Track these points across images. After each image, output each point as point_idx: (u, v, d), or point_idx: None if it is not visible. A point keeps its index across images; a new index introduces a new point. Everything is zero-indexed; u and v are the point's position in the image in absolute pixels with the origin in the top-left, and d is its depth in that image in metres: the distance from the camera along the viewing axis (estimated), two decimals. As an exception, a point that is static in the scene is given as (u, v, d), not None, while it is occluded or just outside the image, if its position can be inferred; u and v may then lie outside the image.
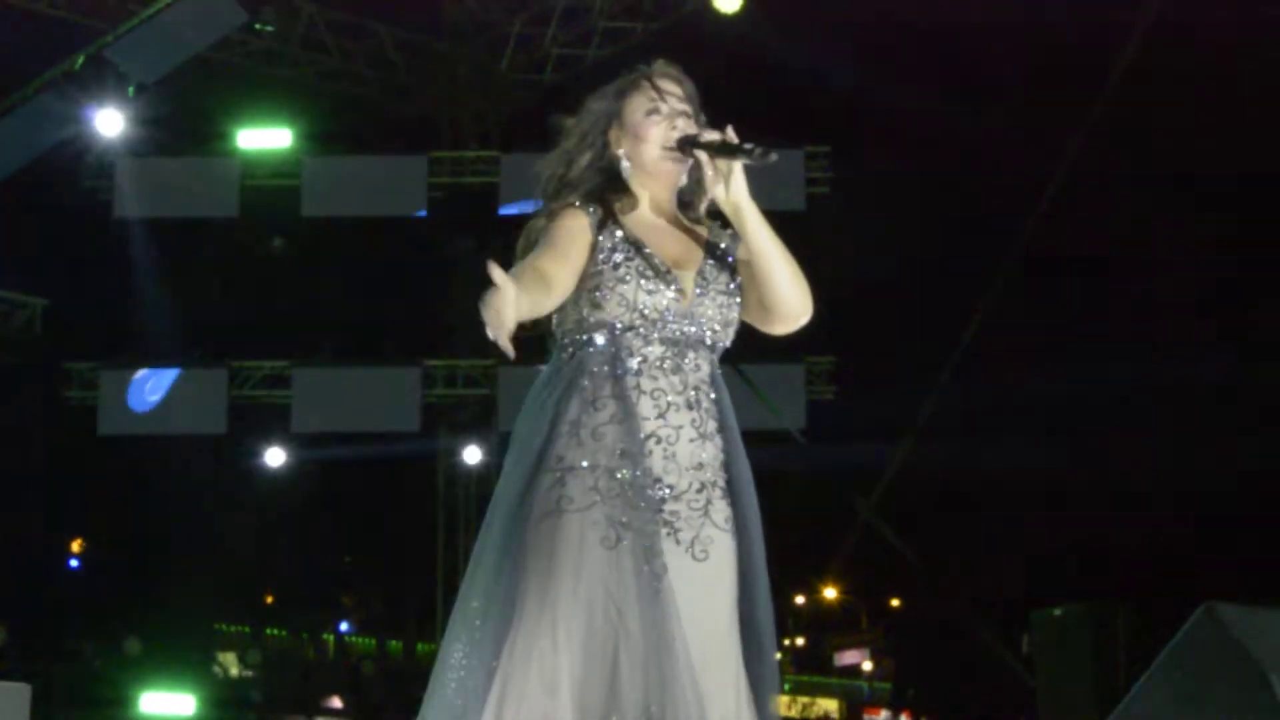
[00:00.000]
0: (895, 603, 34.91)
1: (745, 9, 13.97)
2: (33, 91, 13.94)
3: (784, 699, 38.94)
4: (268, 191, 17.84)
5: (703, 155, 3.43)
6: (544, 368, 3.50)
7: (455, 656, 3.32)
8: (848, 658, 40.15)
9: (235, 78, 17.99)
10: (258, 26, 16.42)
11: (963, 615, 17.10)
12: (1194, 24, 15.22)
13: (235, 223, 17.93)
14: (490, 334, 3.06)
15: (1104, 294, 21.48)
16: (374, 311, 18.49)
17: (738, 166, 3.41)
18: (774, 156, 3.37)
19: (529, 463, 3.37)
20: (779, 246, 3.47)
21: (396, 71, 18.88)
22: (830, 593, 37.24)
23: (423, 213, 17.88)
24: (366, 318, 18.71)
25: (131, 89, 13.83)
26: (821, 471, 18.47)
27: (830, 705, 40.20)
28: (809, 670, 40.66)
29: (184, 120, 17.56)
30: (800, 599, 37.45)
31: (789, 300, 3.49)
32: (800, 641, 40.24)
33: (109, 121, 14.01)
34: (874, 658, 38.84)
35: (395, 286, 18.62)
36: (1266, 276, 18.52)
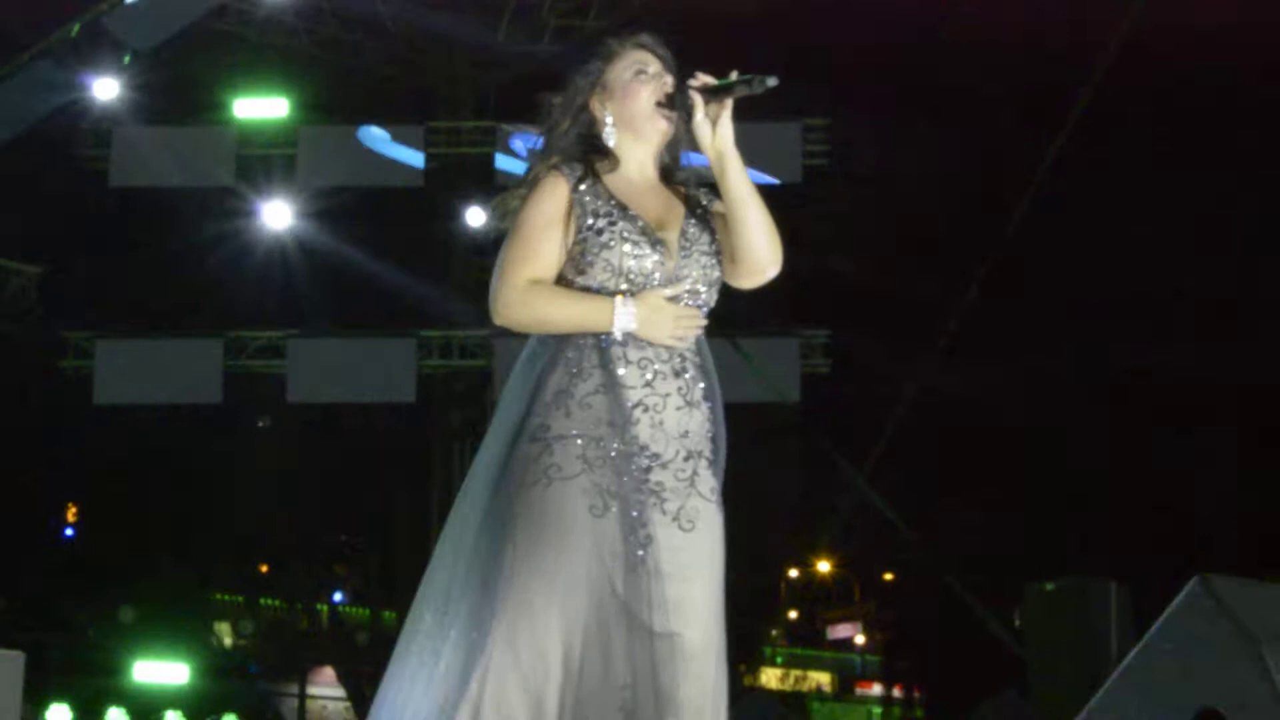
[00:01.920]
0: (888, 576, 34.95)
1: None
2: (29, 59, 13.90)
3: (776, 671, 39.12)
4: (264, 161, 17.80)
5: (697, 99, 3.43)
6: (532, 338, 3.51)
7: (426, 622, 3.34)
8: (840, 631, 40.24)
9: (232, 46, 17.93)
10: None
11: (956, 589, 17.12)
12: (1175, 27, 15.20)
13: (231, 192, 17.88)
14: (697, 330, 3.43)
15: (1100, 274, 21.51)
16: (370, 282, 18.46)
17: (726, 114, 3.42)
18: (773, 81, 3.39)
19: (510, 431, 3.38)
20: (756, 196, 3.47)
21: (393, 41, 18.82)
22: (824, 566, 37.31)
23: (419, 182, 17.83)
24: (362, 288, 18.68)
25: (128, 57, 13.80)
26: (816, 445, 18.48)
27: (823, 678, 40.35)
28: (802, 643, 40.76)
29: (180, 89, 17.52)
30: (794, 572, 37.52)
31: (760, 249, 3.47)
32: (793, 614, 40.33)
33: (105, 89, 13.98)
34: (867, 631, 38.92)
35: (391, 257, 18.58)
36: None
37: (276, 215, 17.95)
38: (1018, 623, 14.26)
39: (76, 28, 13.67)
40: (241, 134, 17.68)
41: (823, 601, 40.04)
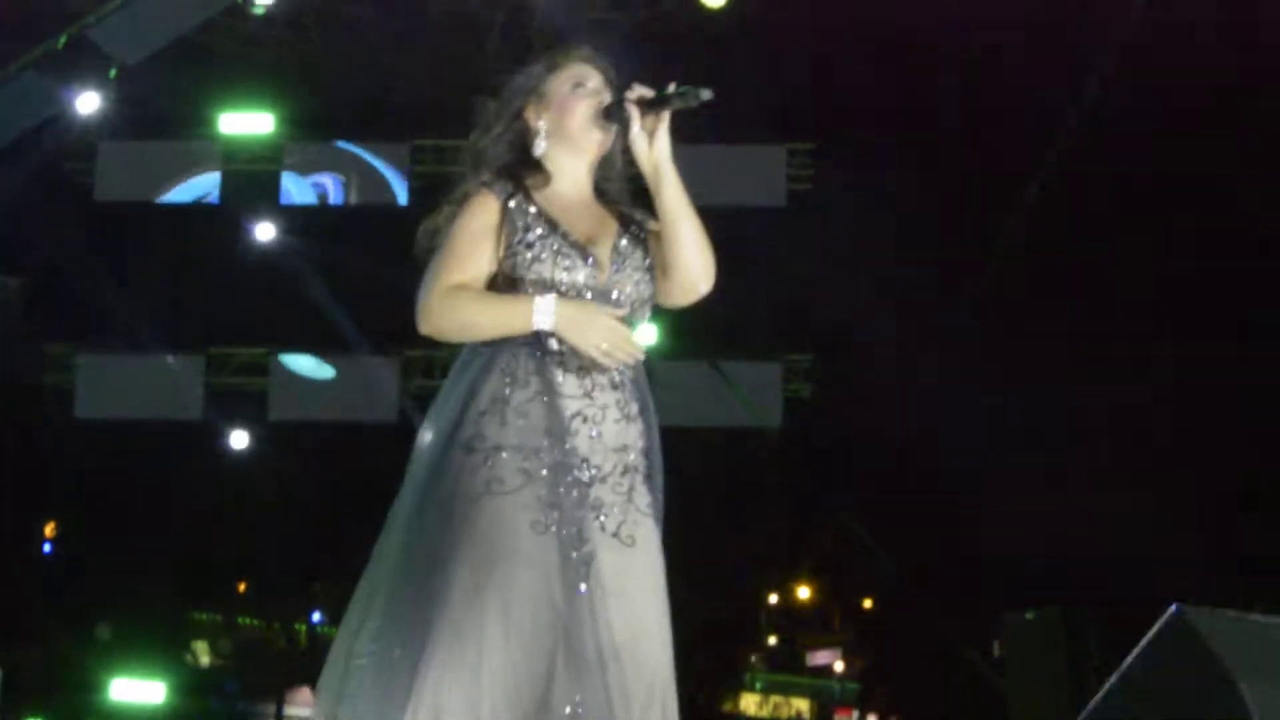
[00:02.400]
0: (868, 604, 34.93)
1: (730, 4, 13.96)
2: (15, 71, 13.87)
3: (755, 698, 39.06)
4: (248, 176, 17.78)
5: (633, 112, 3.42)
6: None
7: (351, 626, 3.31)
8: (820, 658, 40.15)
9: (218, 61, 17.90)
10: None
11: (934, 617, 17.12)
12: (1173, 35, 15.24)
13: (215, 208, 17.86)
14: (631, 356, 3.36)
15: (1073, 307, 21.56)
16: (353, 300, 18.44)
17: (663, 127, 3.42)
18: (707, 94, 3.37)
19: (443, 439, 3.35)
20: (691, 211, 3.45)
21: (380, 59, 18.81)
22: (804, 592, 37.26)
23: (404, 201, 17.83)
24: (346, 306, 18.65)
25: (113, 71, 13.78)
26: (797, 470, 18.48)
27: (802, 705, 40.30)
28: (781, 670, 40.70)
29: (165, 103, 17.49)
30: (774, 598, 37.47)
31: (692, 265, 3.46)
32: (773, 641, 40.27)
33: (90, 103, 13.95)
34: (846, 658, 38.86)
35: (375, 275, 18.55)
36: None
37: (260, 231, 17.92)
38: (997, 652, 14.27)
39: (63, 41, 13.65)
40: (226, 149, 17.66)
41: (803, 628, 39.99)
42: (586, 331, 3.33)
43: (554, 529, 3.24)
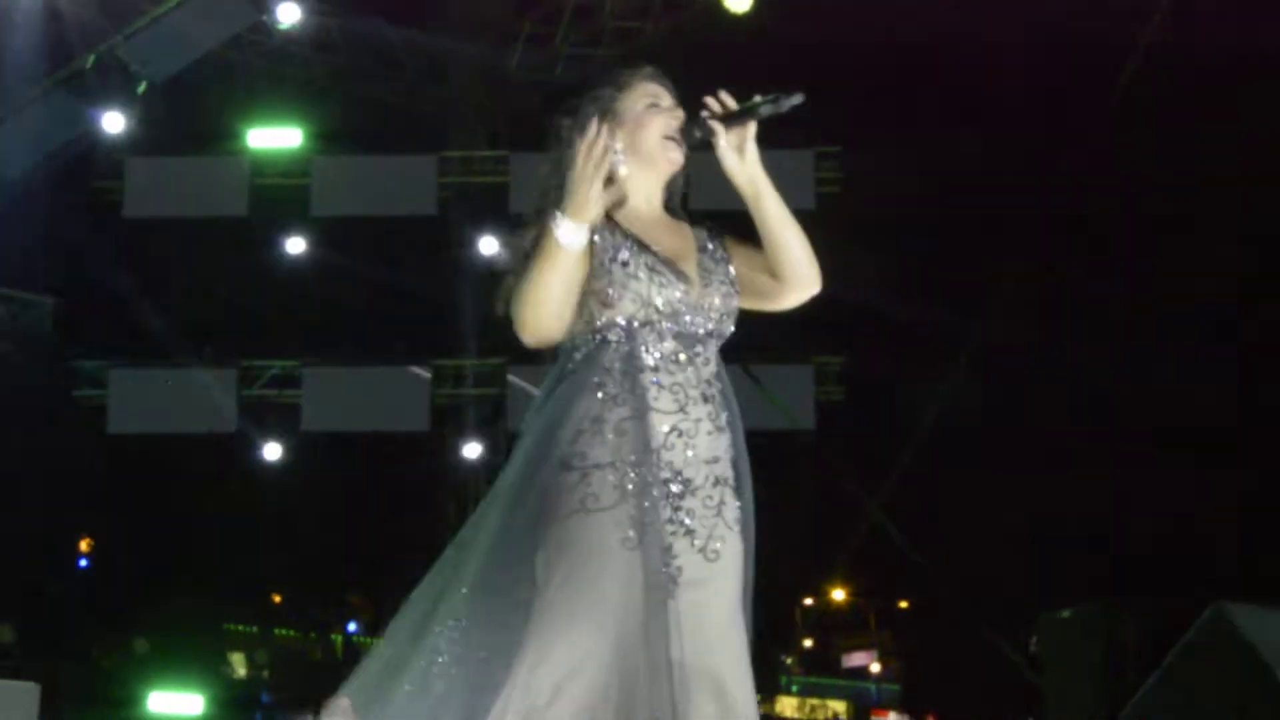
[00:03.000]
0: (903, 604, 34.88)
1: (756, 8, 13.95)
2: (43, 90, 13.95)
3: (792, 700, 39.00)
4: (278, 191, 17.85)
5: (718, 128, 3.42)
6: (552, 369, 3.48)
7: (404, 633, 3.32)
8: (856, 659, 40.12)
9: (245, 77, 17.98)
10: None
11: (970, 616, 17.07)
12: (1199, 38, 15.18)
13: (245, 222, 17.93)
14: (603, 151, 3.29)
15: (1108, 298, 21.48)
16: (384, 311, 18.49)
17: (750, 140, 3.42)
18: (797, 98, 3.37)
19: (538, 457, 3.35)
20: (791, 217, 3.50)
21: (406, 71, 18.87)
22: (839, 594, 37.23)
23: (433, 212, 17.87)
24: (376, 317, 18.71)
25: (141, 88, 13.83)
26: (830, 473, 18.44)
27: (839, 706, 40.20)
28: (817, 672, 40.64)
29: (194, 119, 17.57)
30: (809, 600, 37.44)
31: (804, 268, 3.52)
32: (808, 643, 40.23)
33: (118, 121, 14.01)
34: (882, 659, 38.82)
35: (405, 286, 18.61)
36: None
37: (290, 245, 17.99)
38: (1033, 650, 14.21)
39: (91, 59, 13.71)
40: (255, 164, 17.74)
41: (838, 630, 39.95)
42: (578, 187, 3.31)
43: (643, 545, 3.25)
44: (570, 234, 3.30)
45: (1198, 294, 20.36)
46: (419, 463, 20.45)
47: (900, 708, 37.09)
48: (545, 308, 3.35)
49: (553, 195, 3.42)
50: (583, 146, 3.31)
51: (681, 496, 3.34)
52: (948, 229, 20.97)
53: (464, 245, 18.05)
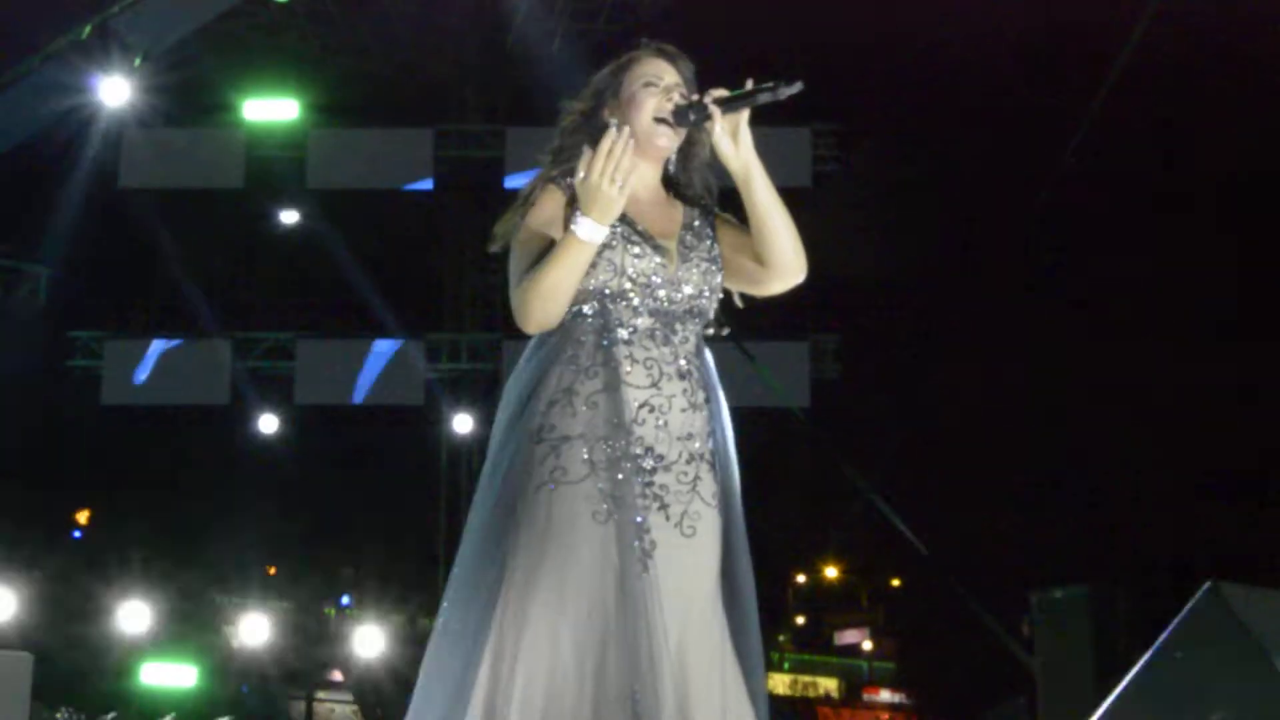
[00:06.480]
0: (896, 582, 34.93)
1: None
2: (39, 61, 13.90)
3: (784, 677, 39.07)
4: (273, 163, 17.81)
5: (714, 112, 3.41)
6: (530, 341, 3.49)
7: (441, 620, 3.36)
8: (848, 637, 40.18)
9: (242, 49, 17.94)
10: None
11: (962, 596, 17.09)
12: (1195, 21, 15.13)
13: (240, 194, 17.90)
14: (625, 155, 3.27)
15: (1106, 282, 21.45)
16: (379, 284, 18.47)
17: (744, 125, 3.42)
18: (796, 86, 3.37)
19: (509, 431, 3.39)
20: (780, 204, 3.48)
21: (403, 45, 18.82)
22: (831, 572, 37.27)
23: (429, 185, 17.85)
24: (371, 291, 18.69)
25: (138, 59, 13.79)
26: (824, 450, 18.45)
27: (830, 684, 40.26)
28: (809, 649, 40.70)
29: (190, 91, 17.52)
30: (801, 578, 37.49)
31: (788, 255, 3.50)
32: (800, 620, 40.28)
33: (114, 91, 13.97)
34: (874, 637, 38.87)
35: (400, 259, 18.60)
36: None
37: (286, 217, 17.97)
38: (1026, 630, 14.24)
39: (87, 30, 13.66)
40: (251, 136, 17.70)
41: (830, 607, 40.00)
42: (596, 188, 3.27)
43: (615, 518, 3.26)
44: (592, 232, 3.31)
45: (1196, 283, 20.37)
46: (413, 436, 20.47)
47: (892, 686, 37.16)
48: (555, 303, 3.37)
49: (553, 186, 3.46)
50: (601, 150, 3.28)
51: (653, 472, 3.34)
52: (947, 207, 20.92)
53: (459, 217, 18.03)
